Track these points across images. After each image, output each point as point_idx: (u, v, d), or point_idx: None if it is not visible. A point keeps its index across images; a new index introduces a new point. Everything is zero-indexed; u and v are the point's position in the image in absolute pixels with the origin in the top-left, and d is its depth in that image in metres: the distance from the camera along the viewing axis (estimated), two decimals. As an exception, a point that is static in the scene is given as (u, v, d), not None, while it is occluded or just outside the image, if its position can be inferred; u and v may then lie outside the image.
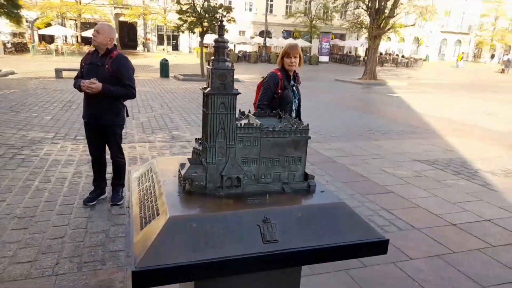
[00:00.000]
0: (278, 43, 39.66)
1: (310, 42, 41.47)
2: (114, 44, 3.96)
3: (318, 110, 11.25)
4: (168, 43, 44.00)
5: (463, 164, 6.38)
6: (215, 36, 1.86)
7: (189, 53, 44.38)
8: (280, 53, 3.89)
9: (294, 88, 3.95)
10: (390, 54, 44.46)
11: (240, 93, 1.81)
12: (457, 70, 38.11)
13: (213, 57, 1.80)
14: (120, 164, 4.28)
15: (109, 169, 4.33)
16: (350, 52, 47.03)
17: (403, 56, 43.20)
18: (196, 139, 2.13)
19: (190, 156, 2.02)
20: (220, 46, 1.78)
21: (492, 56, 55.28)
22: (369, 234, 1.76)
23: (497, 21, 53.15)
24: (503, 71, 34.99)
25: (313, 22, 40.31)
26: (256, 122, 1.90)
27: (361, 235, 1.76)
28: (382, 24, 21.34)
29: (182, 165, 1.91)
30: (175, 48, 46.10)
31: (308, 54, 39.33)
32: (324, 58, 39.09)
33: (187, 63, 29.74)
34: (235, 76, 1.87)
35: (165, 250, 1.49)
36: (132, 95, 3.97)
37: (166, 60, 19.70)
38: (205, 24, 17.67)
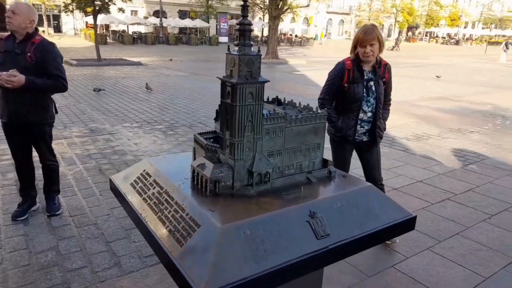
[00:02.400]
0: (175, 23, 38.16)
1: (208, 22, 40.82)
2: (36, 28, 3.30)
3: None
4: (49, 24, 38.92)
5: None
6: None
7: (74, 35, 40.00)
8: (353, 40, 3.11)
9: (372, 83, 3.08)
10: (284, 34, 46.36)
11: (268, 81, 1.65)
12: (346, 48, 41.54)
13: (237, 42, 1.59)
14: (53, 168, 3.68)
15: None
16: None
17: (296, 36, 45.47)
18: (199, 133, 1.91)
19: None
20: (246, 29, 1.58)
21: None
22: (400, 214, 1.80)
23: (372, 2, 59.07)
24: (393, 48, 39.20)
25: (209, 2, 39.60)
26: (280, 111, 1.76)
27: (394, 215, 1.78)
28: (280, 5, 21.99)
29: (201, 166, 1.69)
30: (57, 29, 41.05)
31: (207, 35, 38.78)
32: (224, 39, 38.97)
33: (75, 46, 26.78)
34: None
35: (228, 266, 1.32)
36: (63, 86, 3.38)
37: (54, 44, 17.38)
38: (98, 2, 16.01)
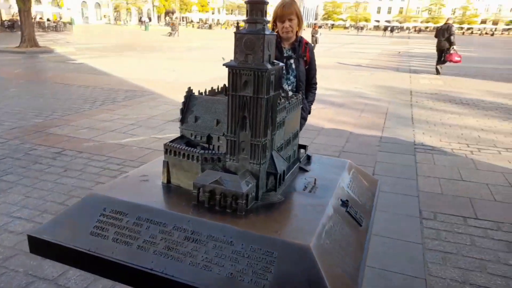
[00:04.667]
0: None
1: None
2: None
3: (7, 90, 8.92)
4: None
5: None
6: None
7: None
8: (272, 15, 2.81)
9: (292, 61, 2.93)
10: (33, 18, 39.33)
11: (283, 65, 1.39)
12: (111, 32, 39.08)
13: (249, 18, 1.25)
14: None
15: None
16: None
17: (48, 20, 39.45)
18: (171, 142, 1.47)
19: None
20: (260, 1, 1.27)
21: (140, 19, 59.38)
22: (375, 183, 1.94)
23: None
24: (170, 34, 38.93)
25: None
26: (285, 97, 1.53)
27: (375, 184, 1.91)
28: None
29: (220, 181, 1.31)
30: None
31: None
32: None
33: None
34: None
35: (340, 278, 1.10)
36: None
37: None
38: None
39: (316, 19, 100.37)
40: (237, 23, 1.30)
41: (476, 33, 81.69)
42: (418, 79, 12.81)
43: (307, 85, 3.09)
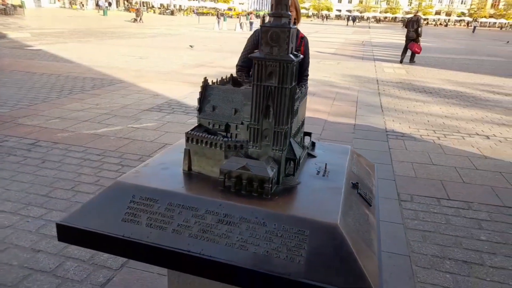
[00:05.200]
0: None
1: None
2: None
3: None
4: None
5: (180, 104, 7.11)
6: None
7: None
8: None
9: None
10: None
11: (302, 56, 1.47)
12: (67, 17, 37.11)
13: (274, 12, 1.32)
14: None
15: None
16: None
17: (-4, 2, 36.75)
18: (192, 130, 1.52)
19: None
20: (284, -5, 1.34)
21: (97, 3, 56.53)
22: (373, 167, 2.08)
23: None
24: (135, 20, 37.37)
25: None
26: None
27: (373, 168, 2.05)
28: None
29: (247, 167, 1.38)
30: None
31: None
32: None
33: None
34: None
35: (370, 260, 1.22)
36: None
37: None
38: None
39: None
40: (263, 17, 1.36)
41: (431, 24, 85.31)
42: (382, 68, 13.30)
43: (299, 77, 3.15)
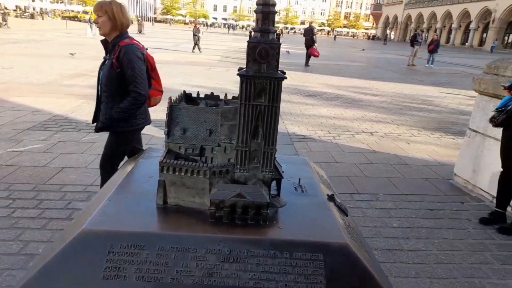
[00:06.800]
0: None
1: None
2: None
3: None
4: None
5: (68, 120, 6.28)
6: None
7: None
8: None
9: (106, 63, 2.80)
10: None
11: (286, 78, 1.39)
12: None
13: (260, 27, 1.23)
14: None
15: None
16: None
17: None
18: (164, 158, 1.34)
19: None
20: (271, 12, 1.27)
21: None
22: (323, 173, 2.14)
23: None
24: (0, 25, 31.25)
25: None
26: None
27: (323, 173, 2.11)
28: None
29: (239, 195, 1.27)
30: None
31: None
32: None
33: None
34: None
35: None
36: None
37: None
38: None
39: (155, 13, 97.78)
40: (250, 32, 1.27)
41: (298, 33, 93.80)
42: (268, 74, 14.02)
43: (126, 91, 2.76)
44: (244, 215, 1.29)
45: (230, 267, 1.15)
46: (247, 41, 1.26)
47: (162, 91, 3.19)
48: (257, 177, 1.37)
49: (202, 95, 1.68)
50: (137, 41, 2.85)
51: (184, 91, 1.75)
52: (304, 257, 1.18)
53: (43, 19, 60.16)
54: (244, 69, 1.30)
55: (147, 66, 2.88)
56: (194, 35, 20.47)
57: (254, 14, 1.29)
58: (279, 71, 1.30)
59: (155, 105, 3.18)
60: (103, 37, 2.85)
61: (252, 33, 1.28)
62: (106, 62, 2.83)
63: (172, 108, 1.45)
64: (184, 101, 1.69)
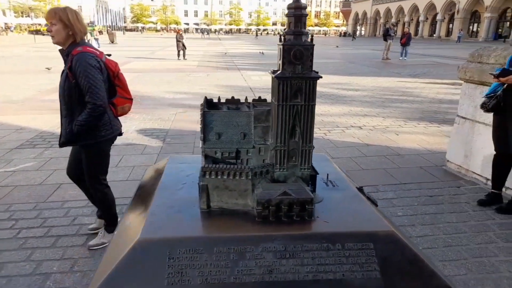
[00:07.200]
0: None
1: None
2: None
3: None
4: None
5: (56, 136, 6.15)
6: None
7: None
8: None
9: (65, 72, 2.64)
10: None
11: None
12: None
13: (293, 29, 1.27)
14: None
15: None
16: None
17: None
18: (206, 165, 1.37)
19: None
20: (303, 14, 1.31)
21: None
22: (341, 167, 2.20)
23: None
24: None
25: None
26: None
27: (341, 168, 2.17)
28: None
29: (285, 193, 1.31)
30: None
31: None
32: None
33: None
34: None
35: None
36: None
37: None
38: None
39: (125, 22, 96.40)
40: (283, 35, 1.31)
41: (271, 33, 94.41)
42: (249, 77, 14.08)
43: (83, 102, 2.62)
44: (289, 212, 1.33)
45: (287, 263, 1.18)
46: (282, 44, 1.30)
47: (131, 99, 2.96)
48: (296, 174, 1.41)
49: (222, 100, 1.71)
50: (93, 48, 2.68)
51: (206, 97, 1.77)
52: (355, 247, 1.23)
53: (7, 34, 58.24)
54: (279, 71, 1.34)
55: (108, 74, 2.71)
56: (178, 41, 19.94)
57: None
58: (313, 71, 1.35)
59: (123, 114, 2.93)
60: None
61: (285, 36, 1.32)
62: (62, 73, 2.67)
63: (205, 114, 1.47)
64: (206, 107, 1.71)
